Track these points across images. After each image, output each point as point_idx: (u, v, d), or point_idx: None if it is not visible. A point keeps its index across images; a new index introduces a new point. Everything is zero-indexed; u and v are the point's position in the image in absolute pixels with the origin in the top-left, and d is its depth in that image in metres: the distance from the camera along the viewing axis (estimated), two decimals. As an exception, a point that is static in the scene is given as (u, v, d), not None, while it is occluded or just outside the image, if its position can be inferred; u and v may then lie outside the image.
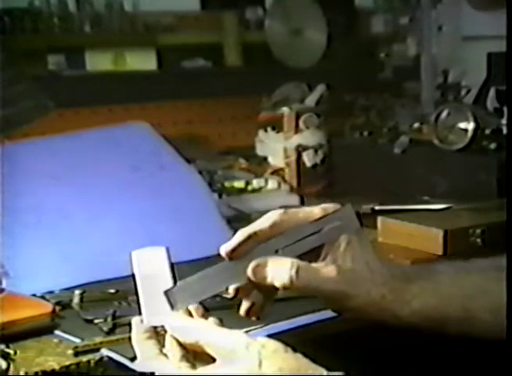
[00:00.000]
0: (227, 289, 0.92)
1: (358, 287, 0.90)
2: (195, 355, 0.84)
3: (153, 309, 0.88)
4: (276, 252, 0.90)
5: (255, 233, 0.89)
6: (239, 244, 0.89)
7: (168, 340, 0.85)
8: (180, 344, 0.84)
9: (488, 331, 0.93)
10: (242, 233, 0.90)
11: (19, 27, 2.10)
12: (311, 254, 0.91)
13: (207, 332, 0.83)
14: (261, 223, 0.90)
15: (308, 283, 0.89)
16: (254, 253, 0.89)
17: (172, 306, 0.87)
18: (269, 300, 0.94)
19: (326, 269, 0.89)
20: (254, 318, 0.94)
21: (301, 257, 0.90)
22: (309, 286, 0.89)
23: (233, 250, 0.89)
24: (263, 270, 0.89)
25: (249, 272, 0.89)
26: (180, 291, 0.88)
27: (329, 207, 0.92)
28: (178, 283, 0.89)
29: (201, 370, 0.82)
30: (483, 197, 1.55)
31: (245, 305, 0.94)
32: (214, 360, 0.82)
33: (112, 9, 2.24)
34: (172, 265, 0.90)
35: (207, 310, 0.89)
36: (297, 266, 0.88)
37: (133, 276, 0.90)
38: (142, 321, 0.88)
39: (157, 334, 0.87)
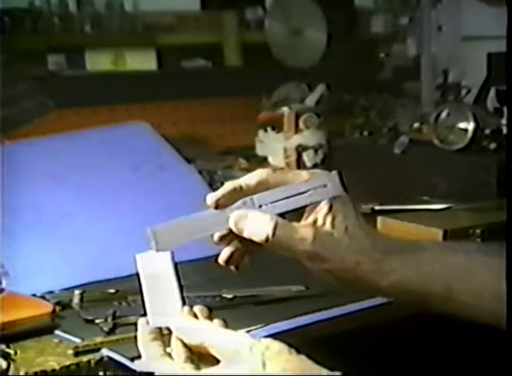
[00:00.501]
0: (212, 236, 0.93)
1: (333, 250, 0.91)
2: (200, 356, 0.84)
3: (158, 310, 0.88)
4: (260, 207, 0.91)
5: (240, 187, 0.91)
6: (224, 195, 0.91)
7: (173, 341, 0.85)
8: (185, 345, 0.84)
9: (468, 314, 0.93)
10: (228, 185, 0.92)
11: (19, 27, 2.10)
12: (294, 215, 0.93)
13: (211, 333, 0.84)
14: (248, 178, 0.92)
15: (284, 240, 0.90)
16: (238, 205, 0.91)
17: (156, 245, 0.89)
18: (250, 253, 0.95)
19: (303, 229, 0.91)
20: (232, 267, 0.94)
21: (283, 216, 0.92)
22: (285, 244, 0.90)
23: (218, 200, 0.91)
24: (243, 222, 0.90)
25: (230, 222, 0.91)
26: (165, 232, 0.90)
27: (317, 172, 0.95)
28: (165, 223, 0.90)
29: (205, 371, 0.82)
30: (483, 197, 1.55)
31: (224, 253, 0.94)
32: (218, 362, 0.82)
33: (112, 9, 2.24)
34: (176, 267, 0.90)
35: (211, 311, 0.89)
36: (275, 223, 0.90)
37: (138, 277, 0.90)
38: (147, 322, 0.88)
39: (162, 334, 0.87)
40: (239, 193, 0.91)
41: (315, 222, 0.92)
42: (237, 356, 0.80)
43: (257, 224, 0.90)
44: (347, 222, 0.92)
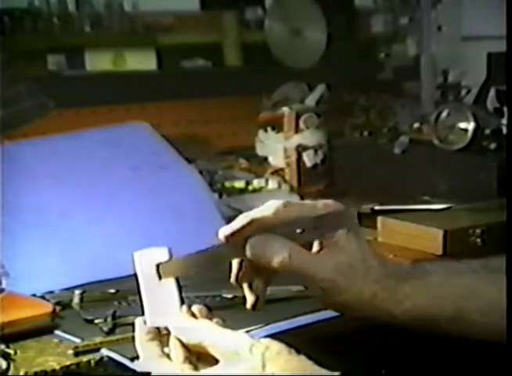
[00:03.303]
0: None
1: (352, 281, 0.90)
2: (198, 356, 0.84)
3: (156, 309, 0.88)
4: None
5: (258, 219, 0.88)
6: (240, 229, 0.88)
7: (172, 341, 0.85)
8: (183, 345, 0.84)
9: (478, 332, 0.93)
10: (244, 218, 0.88)
11: (19, 27, 2.10)
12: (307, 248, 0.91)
13: (210, 333, 0.83)
14: (264, 210, 0.89)
15: (304, 266, 0.88)
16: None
17: (160, 277, 0.88)
18: (267, 285, 0.94)
19: (323, 257, 0.90)
20: (259, 310, 0.94)
21: None
22: (305, 270, 0.89)
23: (233, 234, 0.88)
24: (262, 246, 0.88)
25: (248, 247, 0.88)
26: (172, 264, 0.89)
27: (331, 203, 0.92)
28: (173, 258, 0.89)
29: (204, 371, 0.82)
30: (483, 197, 1.55)
31: (251, 300, 0.93)
32: (217, 362, 0.82)
33: (112, 9, 2.24)
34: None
35: (210, 310, 0.89)
36: (296, 247, 0.88)
37: (136, 276, 0.90)
38: (145, 322, 0.88)
39: (161, 334, 0.87)
40: (255, 226, 0.88)
41: (331, 253, 0.90)
42: (236, 356, 0.80)
43: (276, 247, 0.88)
44: (364, 253, 0.91)
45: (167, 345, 0.86)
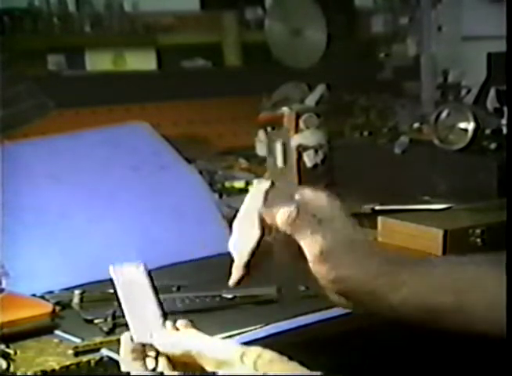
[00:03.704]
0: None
1: (356, 259, 0.90)
2: (185, 368, 0.83)
3: (140, 325, 0.86)
4: None
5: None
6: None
7: (160, 362, 0.84)
8: (172, 365, 0.83)
9: (481, 326, 0.92)
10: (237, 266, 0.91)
11: (19, 27, 2.10)
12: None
13: (198, 342, 0.82)
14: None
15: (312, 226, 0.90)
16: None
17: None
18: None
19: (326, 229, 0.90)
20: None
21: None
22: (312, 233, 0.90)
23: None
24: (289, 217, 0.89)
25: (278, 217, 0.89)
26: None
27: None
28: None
29: None
30: (483, 197, 1.55)
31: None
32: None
33: (112, 9, 2.24)
34: (152, 280, 0.89)
35: (193, 323, 0.88)
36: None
37: (115, 292, 0.89)
38: (131, 338, 0.85)
39: (145, 351, 0.85)
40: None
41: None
42: (227, 365, 0.79)
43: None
44: (363, 236, 0.93)
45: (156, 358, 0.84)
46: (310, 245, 0.89)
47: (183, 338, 0.83)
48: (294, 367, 0.79)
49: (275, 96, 2.02)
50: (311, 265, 0.89)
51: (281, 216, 0.89)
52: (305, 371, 0.78)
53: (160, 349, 0.84)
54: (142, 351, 0.84)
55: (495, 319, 0.90)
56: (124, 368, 0.85)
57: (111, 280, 0.88)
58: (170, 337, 0.84)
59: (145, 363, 0.84)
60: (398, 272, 0.91)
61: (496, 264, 0.94)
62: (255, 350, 0.79)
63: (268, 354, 0.79)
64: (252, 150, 1.99)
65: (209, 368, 0.81)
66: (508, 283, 0.89)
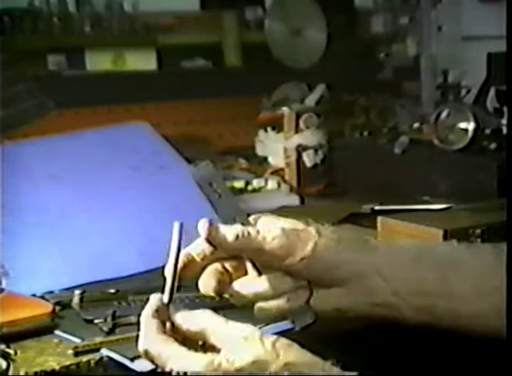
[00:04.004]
0: None
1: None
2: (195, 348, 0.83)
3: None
4: None
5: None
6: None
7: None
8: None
9: (471, 312, 0.91)
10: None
11: (19, 27, 2.10)
12: None
13: (214, 321, 0.83)
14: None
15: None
16: None
17: None
18: None
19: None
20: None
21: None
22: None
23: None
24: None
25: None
26: None
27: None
28: None
29: (206, 356, 0.80)
30: (483, 197, 1.55)
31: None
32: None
33: (112, 9, 2.24)
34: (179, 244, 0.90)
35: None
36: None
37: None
38: (160, 300, 0.85)
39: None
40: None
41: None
42: (244, 343, 0.79)
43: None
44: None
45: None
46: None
47: (200, 316, 0.84)
48: (312, 356, 0.80)
49: (275, 96, 2.02)
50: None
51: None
52: (324, 363, 0.79)
53: (177, 320, 0.84)
54: (164, 314, 0.84)
55: (488, 305, 0.89)
56: (142, 326, 0.84)
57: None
58: (190, 313, 0.85)
59: (164, 325, 0.84)
60: (365, 241, 0.94)
61: (475, 245, 0.94)
62: (272, 336, 0.80)
63: (286, 340, 0.80)
64: (252, 150, 1.99)
65: (222, 346, 0.80)
66: (508, 283, 0.89)
